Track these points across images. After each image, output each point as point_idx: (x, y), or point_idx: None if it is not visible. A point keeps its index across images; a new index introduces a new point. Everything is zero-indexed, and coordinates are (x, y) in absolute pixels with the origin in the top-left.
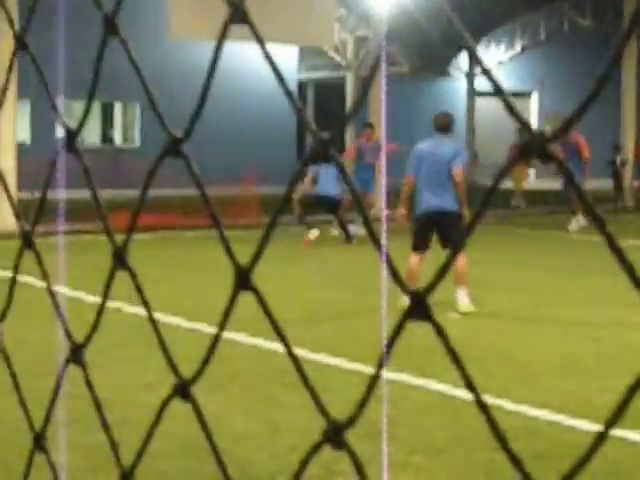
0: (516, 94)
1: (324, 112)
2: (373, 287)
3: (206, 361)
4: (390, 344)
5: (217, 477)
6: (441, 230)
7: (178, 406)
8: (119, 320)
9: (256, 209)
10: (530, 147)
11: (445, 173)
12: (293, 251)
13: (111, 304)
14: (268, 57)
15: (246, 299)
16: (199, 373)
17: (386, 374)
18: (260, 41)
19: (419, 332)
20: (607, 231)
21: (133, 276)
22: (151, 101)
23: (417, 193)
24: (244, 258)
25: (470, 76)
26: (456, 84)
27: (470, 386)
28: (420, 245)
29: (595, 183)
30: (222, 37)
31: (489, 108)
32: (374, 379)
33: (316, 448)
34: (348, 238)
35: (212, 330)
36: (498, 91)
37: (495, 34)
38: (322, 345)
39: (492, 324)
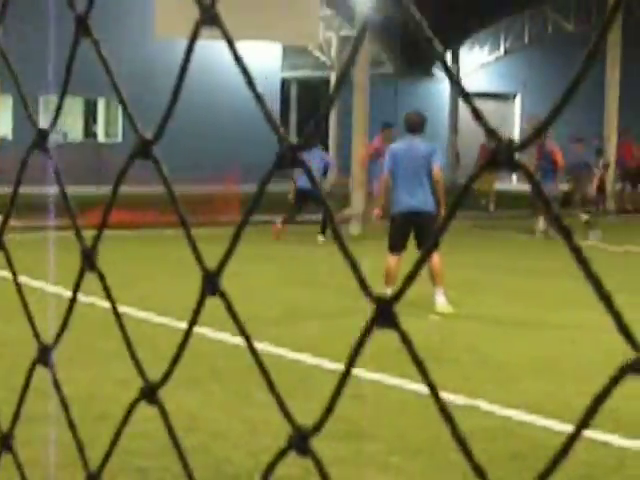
0: (499, 96)
1: (307, 111)
2: (355, 286)
3: (174, 363)
4: (356, 351)
5: (194, 475)
6: (418, 231)
7: (142, 410)
8: (100, 316)
9: (237, 207)
10: (498, 156)
11: (422, 172)
12: (273, 250)
13: (92, 300)
14: (238, 60)
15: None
16: (166, 376)
17: (365, 374)
18: (230, 43)
19: (394, 333)
20: (574, 243)
21: (102, 278)
22: (121, 101)
23: (393, 193)
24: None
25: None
26: (440, 85)
27: (432, 391)
28: (397, 245)
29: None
30: (193, 39)
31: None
32: (340, 385)
33: (281, 454)
34: (323, 233)
35: (179, 326)
36: (465, 97)
37: (479, 36)
38: (303, 344)
39: (469, 326)
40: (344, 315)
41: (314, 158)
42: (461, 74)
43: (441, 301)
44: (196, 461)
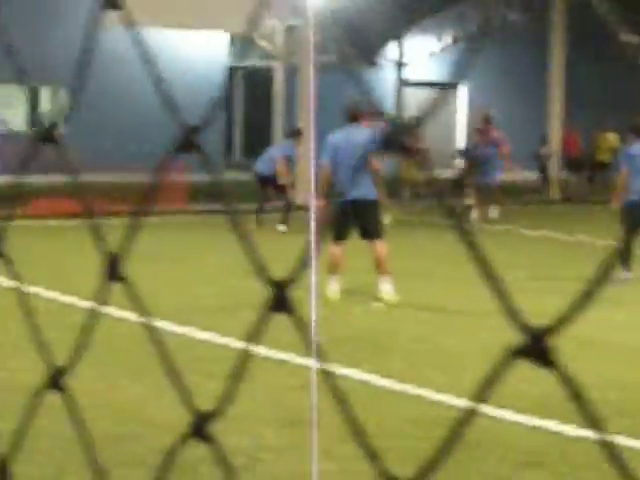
0: (445, 85)
1: (254, 99)
2: (302, 276)
3: (80, 348)
4: (252, 336)
5: (129, 462)
6: (360, 220)
7: (84, 398)
8: (43, 305)
9: (183, 196)
10: (389, 139)
11: (361, 161)
12: (221, 238)
13: (37, 290)
14: (140, 44)
15: (170, 289)
16: (72, 362)
17: (310, 363)
18: (132, 27)
19: (343, 322)
20: (463, 227)
21: (8, 263)
22: (30, 89)
23: (335, 183)
24: (171, 244)
25: (399, 66)
26: (385, 74)
27: (331, 382)
28: (340, 235)
29: (522, 175)
30: (95, 25)
31: (418, 98)
32: (238, 370)
33: (182, 441)
34: (285, 222)
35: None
36: (358, 82)
37: (426, 25)
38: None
39: (416, 314)
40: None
41: (276, 148)
42: (407, 63)
43: (386, 289)
44: (134, 449)
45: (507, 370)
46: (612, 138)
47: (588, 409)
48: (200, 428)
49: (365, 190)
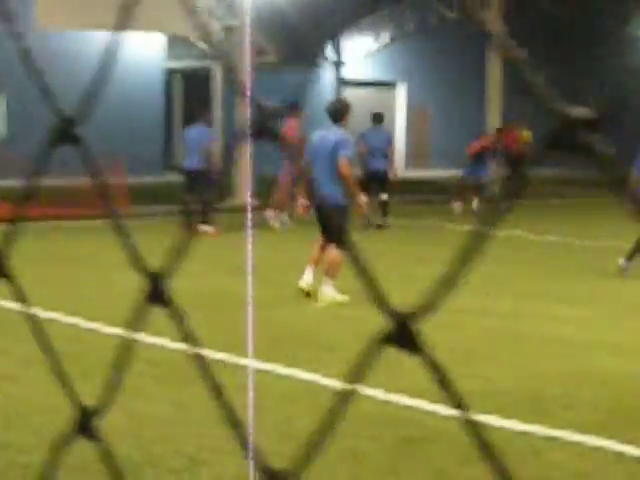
0: (383, 84)
1: (192, 100)
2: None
3: None
4: (130, 328)
5: (81, 468)
6: (322, 223)
7: (45, 400)
8: None
9: (125, 199)
10: (259, 125)
11: (328, 164)
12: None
13: None
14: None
15: (110, 293)
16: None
17: (252, 363)
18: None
19: (284, 322)
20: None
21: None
22: None
23: (313, 182)
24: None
25: (337, 66)
26: (325, 74)
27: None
28: (322, 233)
29: (459, 173)
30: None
31: (357, 97)
32: (120, 363)
33: (68, 439)
34: (206, 223)
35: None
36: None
37: (363, 24)
38: (223, 339)
39: (357, 313)
40: (229, 306)
41: (199, 135)
42: (345, 63)
43: (327, 291)
44: (86, 454)
45: (376, 357)
46: (525, 134)
47: (453, 392)
48: (85, 425)
49: (328, 193)
